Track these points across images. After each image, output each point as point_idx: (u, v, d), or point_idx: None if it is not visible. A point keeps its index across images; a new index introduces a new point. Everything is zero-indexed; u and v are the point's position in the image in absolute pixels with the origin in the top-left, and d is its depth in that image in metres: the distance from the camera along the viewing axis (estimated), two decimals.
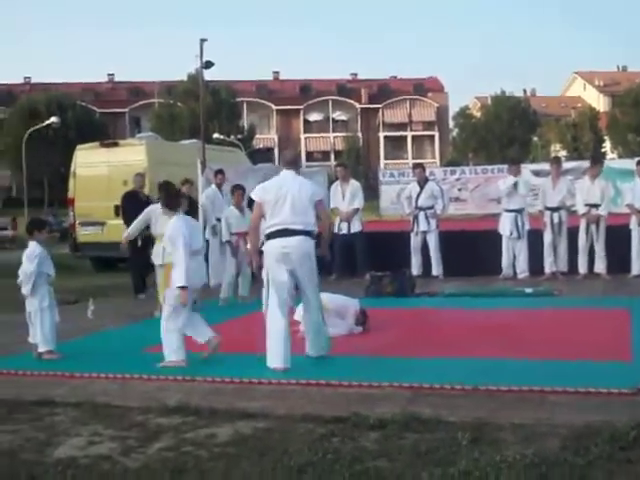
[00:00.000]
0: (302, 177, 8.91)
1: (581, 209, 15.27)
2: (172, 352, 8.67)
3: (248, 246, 10.69)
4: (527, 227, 15.52)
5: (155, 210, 11.85)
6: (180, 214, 9.07)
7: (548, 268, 15.40)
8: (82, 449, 6.01)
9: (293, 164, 8.94)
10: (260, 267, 8.93)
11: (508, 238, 15.55)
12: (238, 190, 13.62)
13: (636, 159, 16.34)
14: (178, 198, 9.38)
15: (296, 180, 8.71)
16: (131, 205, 14.08)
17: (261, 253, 8.82)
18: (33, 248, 9.40)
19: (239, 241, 13.35)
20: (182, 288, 8.55)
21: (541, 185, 16.06)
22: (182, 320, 8.74)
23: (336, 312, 10.18)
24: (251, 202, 14.10)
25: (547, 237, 15.37)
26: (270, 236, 8.58)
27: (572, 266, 15.33)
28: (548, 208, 15.42)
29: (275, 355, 8.32)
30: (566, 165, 20.46)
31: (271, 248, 8.55)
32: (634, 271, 15.01)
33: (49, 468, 5.57)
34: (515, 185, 15.38)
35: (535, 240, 15.43)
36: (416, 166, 17.64)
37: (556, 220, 15.34)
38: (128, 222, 13.27)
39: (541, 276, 15.21)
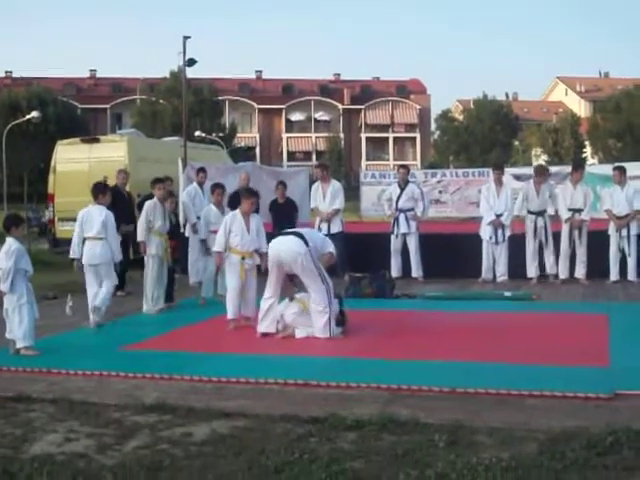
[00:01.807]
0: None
1: (564, 214, 15.19)
2: None
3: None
4: (508, 232, 15.53)
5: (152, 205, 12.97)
6: (97, 205, 11.63)
7: (534, 272, 15.37)
8: (58, 446, 6.00)
9: None
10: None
11: (488, 242, 15.58)
12: (218, 188, 13.56)
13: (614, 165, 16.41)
14: (97, 191, 11.74)
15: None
16: (112, 201, 13.97)
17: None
18: (10, 244, 9.35)
19: None
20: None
21: (523, 189, 15.93)
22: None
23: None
24: (231, 201, 14.19)
25: (531, 241, 15.35)
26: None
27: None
28: (531, 212, 15.42)
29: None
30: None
31: (271, 243, 10.55)
32: (612, 277, 15.04)
33: (25, 464, 5.55)
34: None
35: (515, 244, 15.47)
36: (401, 167, 17.60)
37: (540, 224, 15.33)
38: None
39: (521, 279, 15.19)
